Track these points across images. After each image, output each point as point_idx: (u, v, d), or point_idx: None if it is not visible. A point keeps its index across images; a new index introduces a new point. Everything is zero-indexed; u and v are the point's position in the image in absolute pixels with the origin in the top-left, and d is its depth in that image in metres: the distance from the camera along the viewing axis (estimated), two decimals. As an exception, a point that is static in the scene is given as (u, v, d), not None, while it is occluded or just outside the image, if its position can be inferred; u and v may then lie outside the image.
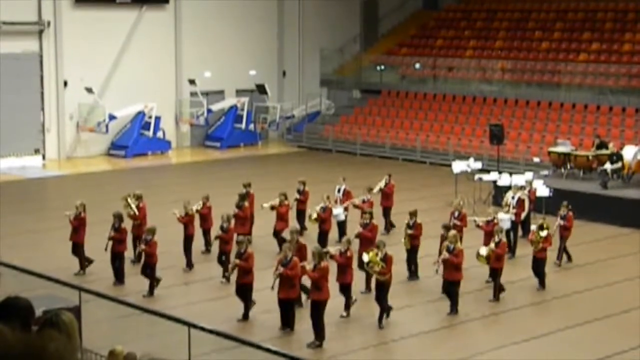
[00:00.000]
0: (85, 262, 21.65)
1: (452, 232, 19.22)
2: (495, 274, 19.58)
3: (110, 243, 20.83)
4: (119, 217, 21.01)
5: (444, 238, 19.59)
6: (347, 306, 18.40)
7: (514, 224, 23.18)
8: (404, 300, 19.24)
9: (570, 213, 22.31)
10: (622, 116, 36.41)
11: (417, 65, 44.02)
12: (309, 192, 24.87)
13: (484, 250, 19.67)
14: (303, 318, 17.76)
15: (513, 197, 23.75)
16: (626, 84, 37.55)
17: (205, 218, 23.03)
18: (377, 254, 17.86)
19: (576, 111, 37.67)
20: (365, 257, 17.95)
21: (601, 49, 40.08)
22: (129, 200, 22.50)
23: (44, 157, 38.61)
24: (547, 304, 19.59)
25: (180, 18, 42.05)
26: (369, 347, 17.27)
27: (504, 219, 22.55)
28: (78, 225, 21.58)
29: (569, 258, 22.47)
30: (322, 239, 22.81)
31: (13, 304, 5.48)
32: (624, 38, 40.10)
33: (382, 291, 17.95)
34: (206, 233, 23.17)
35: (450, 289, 18.61)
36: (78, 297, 14.22)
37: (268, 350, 11.08)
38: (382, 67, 44.97)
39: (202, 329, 13.08)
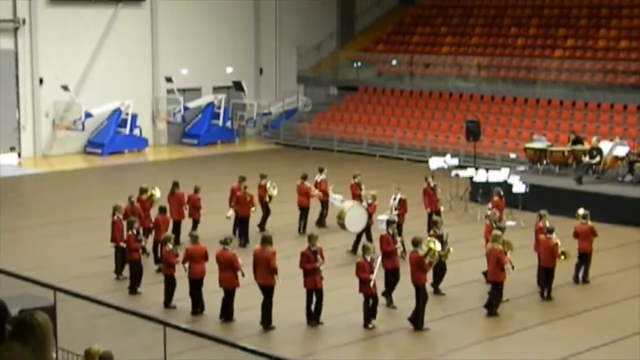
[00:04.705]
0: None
1: (499, 232, 18.77)
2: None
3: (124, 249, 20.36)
4: (130, 223, 20.37)
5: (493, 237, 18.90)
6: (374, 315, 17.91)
7: (397, 225, 21.99)
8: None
9: (497, 198, 23.20)
10: (598, 112, 36.62)
11: (394, 62, 44.10)
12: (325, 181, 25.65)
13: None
14: (278, 315, 17.82)
15: (394, 198, 23.21)
16: (601, 79, 37.76)
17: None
18: (433, 242, 17.72)
19: (552, 107, 37.87)
20: (424, 250, 17.45)
21: (576, 45, 40.30)
22: (152, 191, 22.99)
23: (19, 155, 38.42)
24: (523, 300, 19.64)
25: (156, 15, 41.94)
26: (350, 343, 17.32)
27: (381, 220, 22.28)
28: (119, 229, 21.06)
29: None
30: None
31: (-15, 305, 5.49)
32: (599, 34, 40.33)
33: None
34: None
35: (495, 288, 18.49)
36: (53, 296, 14.16)
37: (244, 348, 11.09)
38: (359, 63, 45.02)
39: (178, 327, 13.06)
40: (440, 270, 19.56)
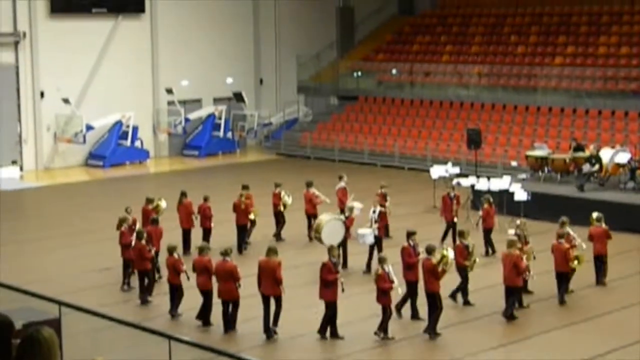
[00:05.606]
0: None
1: (515, 238, 19.21)
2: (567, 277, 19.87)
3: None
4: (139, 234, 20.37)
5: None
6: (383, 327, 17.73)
7: (377, 238, 22.19)
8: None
9: (486, 205, 23.50)
10: (599, 119, 36.63)
11: (394, 71, 44.14)
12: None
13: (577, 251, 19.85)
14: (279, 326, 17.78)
15: (374, 211, 22.60)
16: (602, 86, 37.78)
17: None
18: (445, 250, 17.81)
19: (553, 115, 37.88)
20: (438, 258, 17.48)
21: (576, 52, 40.33)
22: (159, 203, 23.11)
23: (21, 169, 38.45)
24: (537, 305, 19.60)
25: (156, 27, 42.01)
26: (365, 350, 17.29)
27: (366, 233, 21.92)
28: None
29: (493, 250, 23.33)
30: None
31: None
32: (599, 41, 40.35)
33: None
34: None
35: (513, 293, 18.65)
36: (58, 310, 14.14)
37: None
38: (359, 73, 45.07)
39: (183, 341, 13.04)
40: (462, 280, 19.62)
